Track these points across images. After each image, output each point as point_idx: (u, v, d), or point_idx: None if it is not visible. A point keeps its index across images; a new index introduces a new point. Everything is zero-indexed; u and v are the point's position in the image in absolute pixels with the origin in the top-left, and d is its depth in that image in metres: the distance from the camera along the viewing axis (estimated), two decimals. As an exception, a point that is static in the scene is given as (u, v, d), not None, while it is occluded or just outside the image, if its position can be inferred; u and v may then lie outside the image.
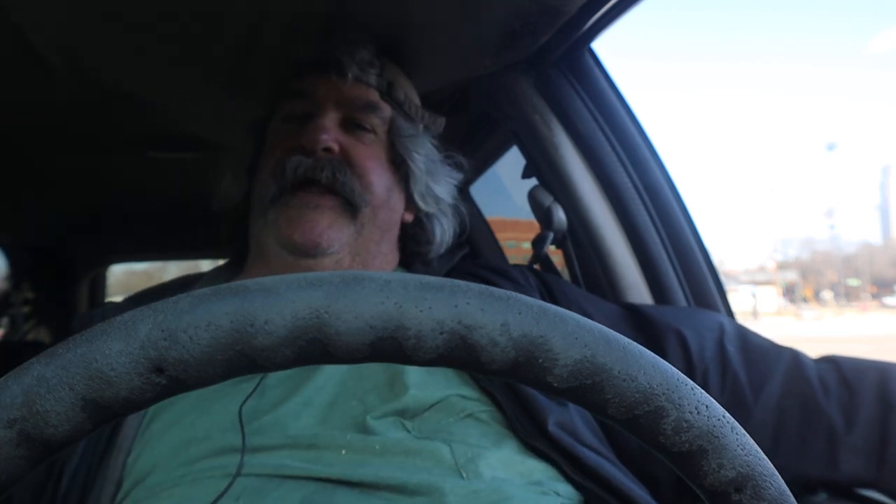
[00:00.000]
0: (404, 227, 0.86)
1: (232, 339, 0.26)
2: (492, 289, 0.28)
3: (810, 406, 0.71)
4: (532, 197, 1.09)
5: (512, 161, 1.18)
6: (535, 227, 1.12)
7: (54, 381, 0.25)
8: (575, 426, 0.64)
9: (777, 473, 0.30)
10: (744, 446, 0.29)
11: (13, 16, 0.84)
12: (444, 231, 0.87)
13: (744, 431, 0.30)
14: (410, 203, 0.85)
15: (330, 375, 0.66)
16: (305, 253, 0.74)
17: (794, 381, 0.73)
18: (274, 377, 0.66)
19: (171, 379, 0.26)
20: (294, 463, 0.57)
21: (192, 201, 1.95)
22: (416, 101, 0.89)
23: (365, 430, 0.61)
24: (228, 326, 0.26)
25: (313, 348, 0.27)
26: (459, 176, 0.90)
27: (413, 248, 0.87)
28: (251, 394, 0.63)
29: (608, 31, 0.95)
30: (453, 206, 0.89)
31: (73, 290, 2.43)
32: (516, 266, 0.89)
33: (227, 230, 0.89)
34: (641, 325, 0.79)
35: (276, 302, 0.26)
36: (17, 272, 2.27)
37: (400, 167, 0.83)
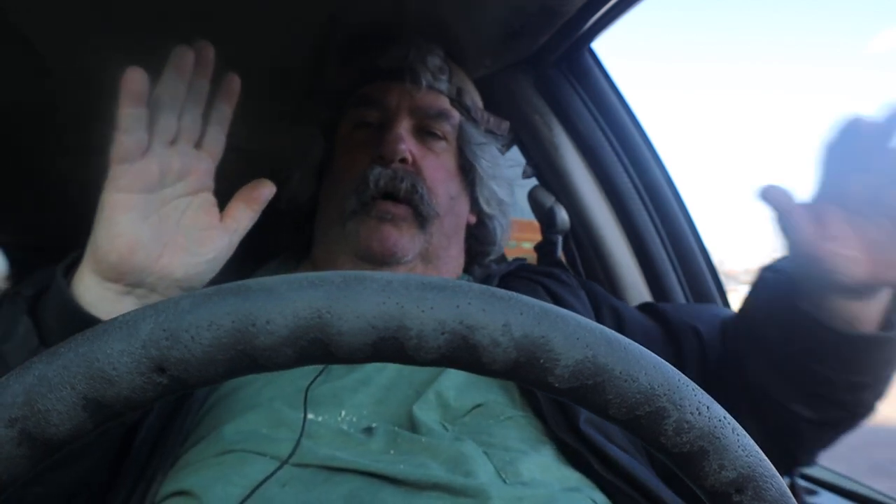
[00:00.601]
0: (468, 227, 0.89)
1: (233, 338, 0.26)
2: (493, 289, 0.28)
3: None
4: (532, 197, 1.09)
5: (512, 161, 1.17)
6: (535, 227, 1.12)
7: (56, 381, 0.25)
8: (605, 424, 0.65)
9: (778, 475, 0.30)
10: (745, 447, 0.29)
11: (13, 16, 0.84)
12: (503, 230, 0.91)
13: (744, 432, 0.29)
14: (475, 205, 0.88)
15: (385, 367, 0.68)
16: (382, 261, 0.78)
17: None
18: None
19: (173, 378, 0.26)
20: (344, 455, 0.58)
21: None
22: (480, 103, 0.90)
23: (411, 421, 0.63)
24: (230, 326, 0.26)
25: (315, 348, 0.27)
26: (515, 176, 0.93)
27: (477, 248, 0.90)
28: (318, 375, 0.66)
29: (608, 31, 0.95)
30: (509, 205, 0.92)
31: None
32: (557, 266, 0.93)
33: (290, 227, 0.92)
34: (660, 322, 0.81)
35: (278, 302, 0.26)
36: (17, 272, 2.27)
37: (468, 173, 0.85)
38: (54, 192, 1.76)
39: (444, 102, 0.84)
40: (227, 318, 0.26)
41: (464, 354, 0.27)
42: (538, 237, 1.10)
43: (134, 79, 0.55)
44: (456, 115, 0.85)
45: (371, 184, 0.77)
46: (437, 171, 0.81)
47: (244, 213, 0.60)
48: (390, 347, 0.27)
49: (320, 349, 0.27)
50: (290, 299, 0.26)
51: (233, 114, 0.63)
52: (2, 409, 0.25)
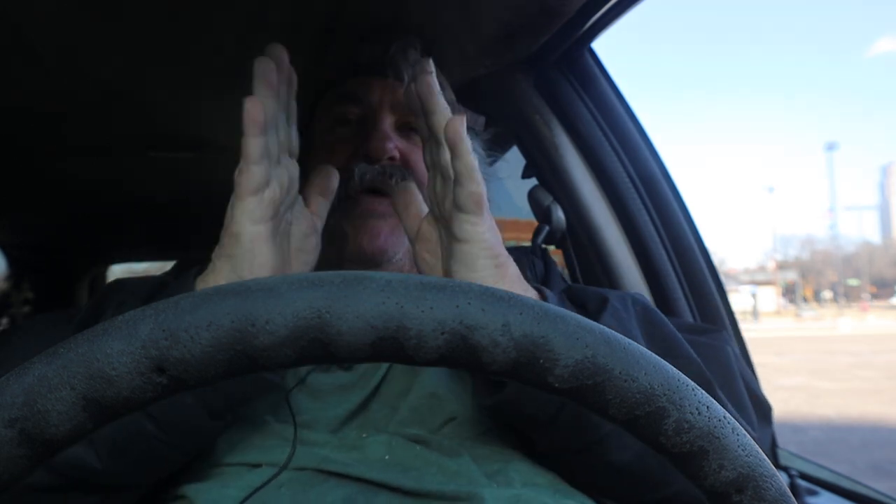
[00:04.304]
0: None
1: (233, 338, 0.26)
2: (492, 289, 0.28)
3: None
4: (532, 197, 1.09)
5: (512, 161, 1.18)
6: (535, 227, 1.12)
7: (55, 381, 0.25)
8: (560, 455, 0.65)
9: (777, 474, 0.30)
10: (744, 447, 0.29)
11: (13, 16, 0.84)
12: None
13: (744, 432, 0.29)
14: None
15: (368, 380, 0.68)
16: (372, 261, 0.75)
17: None
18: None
19: (172, 378, 0.26)
20: (339, 457, 0.59)
21: (192, 201, 1.95)
22: (454, 99, 0.88)
23: (398, 435, 0.62)
24: (229, 326, 0.26)
25: (314, 348, 0.26)
26: (489, 171, 0.91)
27: None
28: (296, 386, 0.66)
29: (608, 31, 0.95)
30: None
31: (73, 290, 2.43)
32: (523, 250, 0.89)
33: None
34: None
35: (278, 302, 0.26)
36: (17, 272, 2.27)
37: None
38: (54, 192, 1.77)
39: None
40: (226, 317, 0.26)
41: (463, 354, 0.27)
42: (538, 237, 1.10)
43: (255, 108, 0.55)
44: None
45: (356, 178, 0.74)
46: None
47: (323, 206, 0.65)
48: (390, 347, 0.27)
49: (320, 349, 0.27)
50: (289, 299, 0.26)
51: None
52: (2, 409, 0.25)
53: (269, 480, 0.56)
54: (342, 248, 0.76)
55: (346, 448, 0.61)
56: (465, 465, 0.59)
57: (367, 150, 0.76)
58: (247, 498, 0.54)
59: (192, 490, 0.58)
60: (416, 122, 0.80)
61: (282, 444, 0.60)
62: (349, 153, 0.77)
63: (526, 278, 0.79)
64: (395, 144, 0.76)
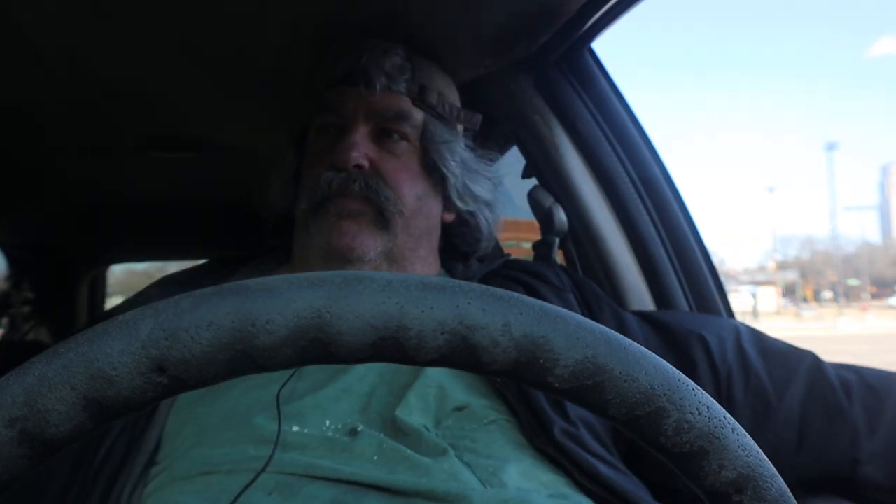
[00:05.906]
0: (447, 227, 0.87)
1: (233, 338, 0.26)
2: (493, 289, 0.28)
3: (833, 407, 0.73)
4: (532, 197, 1.09)
5: (512, 161, 1.18)
6: (535, 227, 1.12)
7: (56, 381, 0.25)
8: (581, 436, 0.65)
9: (778, 474, 0.30)
10: (745, 447, 0.29)
11: (13, 16, 0.84)
12: (489, 224, 0.88)
13: (745, 432, 0.30)
14: (449, 203, 0.85)
15: (370, 367, 0.67)
16: (344, 258, 0.76)
17: (816, 382, 0.75)
18: None
19: (173, 378, 0.26)
20: (325, 463, 0.58)
21: (191, 201, 1.95)
22: (452, 98, 0.88)
23: (395, 427, 0.62)
24: (230, 326, 0.26)
25: (315, 348, 0.26)
26: (494, 170, 0.90)
27: (463, 247, 0.88)
28: (290, 377, 0.65)
29: (608, 31, 0.95)
30: (492, 201, 0.90)
31: (73, 290, 2.43)
32: (550, 266, 0.90)
33: (274, 232, 0.91)
34: (664, 332, 0.80)
35: (278, 301, 0.26)
36: (17, 272, 2.27)
37: (434, 172, 0.83)
38: (54, 191, 1.77)
39: (404, 103, 0.82)
40: (226, 317, 0.26)
41: (463, 354, 0.27)
42: (539, 237, 1.10)
43: None
44: (418, 115, 0.82)
45: (322, 186, 0.77)
46: (400, 172, 0.80)
47: None
48: (390, 347, 0.27)
49: (320, 349, 0.27)
50: (290, 299, 0.26)
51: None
52: (2, 409, 0.25)
53: (247, 487, 0.55)
54: (320, 249, 0.78)
55: (336, 450, 0.60)
56: (457, 465, 0.59)
57: (334, 160, 0.78)
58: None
59: (185, 497, 0.58)
60: (393, 129, 0.81)
61: (270, 447, 0.60)
62: (324, 163, 0.79)
63: (556, 288, 0.81)
64: (361, 153, 0.77)
